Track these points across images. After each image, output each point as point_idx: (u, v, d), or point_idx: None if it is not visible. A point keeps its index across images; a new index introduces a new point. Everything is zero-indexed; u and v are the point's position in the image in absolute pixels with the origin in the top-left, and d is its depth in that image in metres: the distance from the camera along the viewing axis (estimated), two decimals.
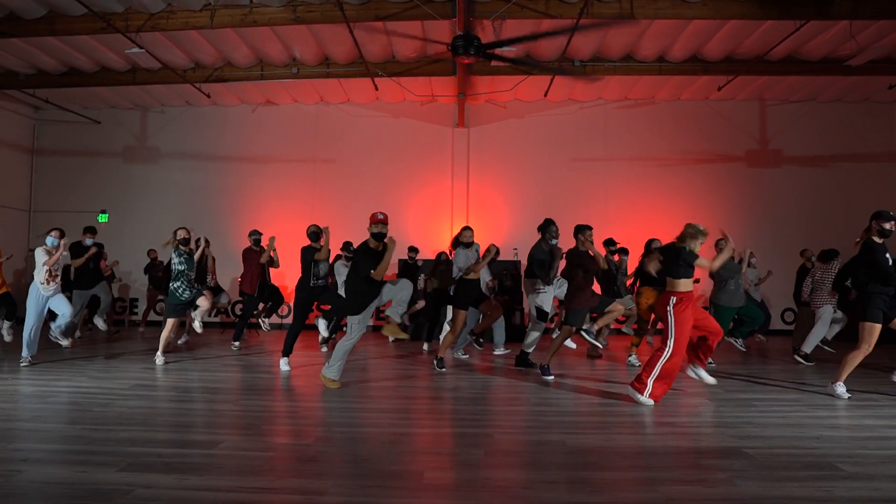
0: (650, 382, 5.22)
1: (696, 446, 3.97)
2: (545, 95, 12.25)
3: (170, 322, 7.38)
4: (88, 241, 8.77)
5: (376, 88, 11.72)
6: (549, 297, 6.99)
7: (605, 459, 3.68)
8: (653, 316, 8.02)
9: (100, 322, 8.98)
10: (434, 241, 12.60)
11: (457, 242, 7.43)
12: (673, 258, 5.41)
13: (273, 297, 9.45)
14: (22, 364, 6.94)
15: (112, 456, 3.61)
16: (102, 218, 13.33)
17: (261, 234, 9.26)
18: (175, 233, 7.41)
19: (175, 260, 7.33)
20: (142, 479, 3.20)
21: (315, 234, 7.46)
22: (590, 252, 6.77)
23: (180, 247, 7.36)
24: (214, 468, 3.41)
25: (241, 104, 13.33)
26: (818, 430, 4.43)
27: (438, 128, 13.09)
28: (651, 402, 5.21)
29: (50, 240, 7.08)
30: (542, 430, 4.40)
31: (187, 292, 7.33)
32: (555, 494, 3.08)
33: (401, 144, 13.12)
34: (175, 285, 7.31)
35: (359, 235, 12.42)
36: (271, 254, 8.79)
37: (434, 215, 12.80)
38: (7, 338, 7.92)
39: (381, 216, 5.94)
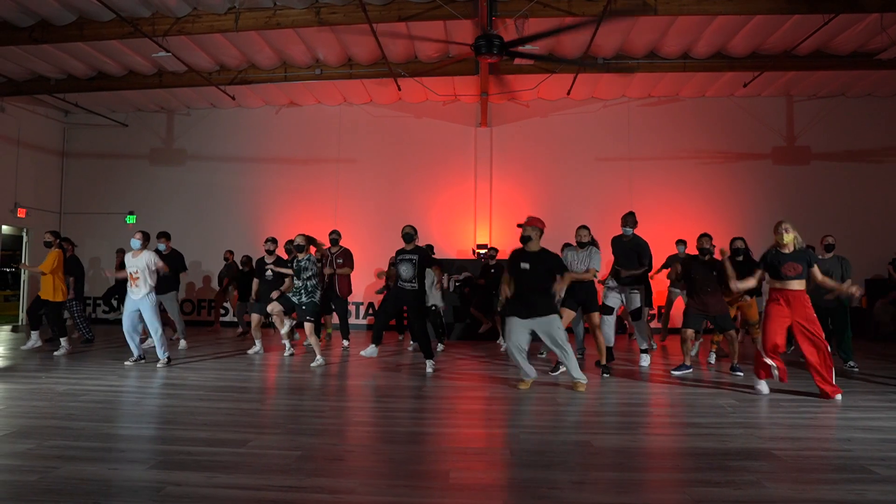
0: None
1: (723, 447, 3.92)
2: (568, 94, 12.21)
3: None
4: (161, 247, 8.81)
5: (399, 89, 11.77)
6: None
7: (632, 460, 3.66)
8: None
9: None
10: (457, 242, 12.62)
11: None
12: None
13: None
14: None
15: (143, 453, 3.68)
16: (130, 219, 13.57)
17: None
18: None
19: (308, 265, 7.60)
20: (172, 477, 3.25)
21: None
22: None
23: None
24: (243, 466, 3.45)
25: (265, 106, 13.48)
26: (848, 431, 4.36)
27: (461, 127, 13.09)
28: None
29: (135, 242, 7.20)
30: (568, 431, 4.39)
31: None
32: (582, 495, 3.07)
33: (424, 144, 13.15)
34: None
35: (380, 236, 12.59)
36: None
37: (457, 215, 12.82)
38: (36, 343, 8.21)
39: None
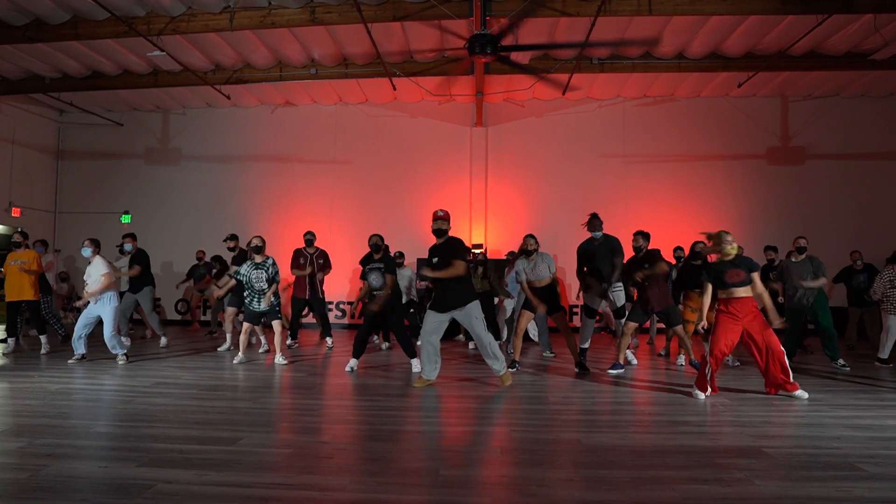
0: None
1: (714, 445, 3.94)
2: (563, 94, 12.21)
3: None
4: (128, 247, 8.95)
5: (394, 88, 11.76)
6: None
7: (622, 458, 3.67)
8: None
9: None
10: None
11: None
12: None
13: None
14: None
15: (134, 451, 3.68)
16: (125, 219, 13.55)
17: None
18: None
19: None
20: (163, 475, 3.26)
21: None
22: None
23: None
24: (234, 464, 3.45)
25: (261, 105, 13.47)
26: (839, 430, 4.38)
27: (457, 127, 13.10)
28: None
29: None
30: (558, 429, 4.39)
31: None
32: (570, 492, 3.08)
33: (419, 144, 13.15)
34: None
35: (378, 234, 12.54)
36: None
37: (453, 215, 12.67)
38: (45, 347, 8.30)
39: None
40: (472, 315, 5.90)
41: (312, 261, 9.03)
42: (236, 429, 4.27)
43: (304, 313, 9.93)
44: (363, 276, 7.13)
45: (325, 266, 9.17)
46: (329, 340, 9.13)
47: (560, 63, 10.39)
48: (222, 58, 10.78)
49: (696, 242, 7.81)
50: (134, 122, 13.85)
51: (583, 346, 7.31)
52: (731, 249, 5.66)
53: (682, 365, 7.59)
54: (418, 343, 6.47)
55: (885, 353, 7.68)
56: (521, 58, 9.57)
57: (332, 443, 3.99)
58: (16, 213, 12.60)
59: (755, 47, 10.08)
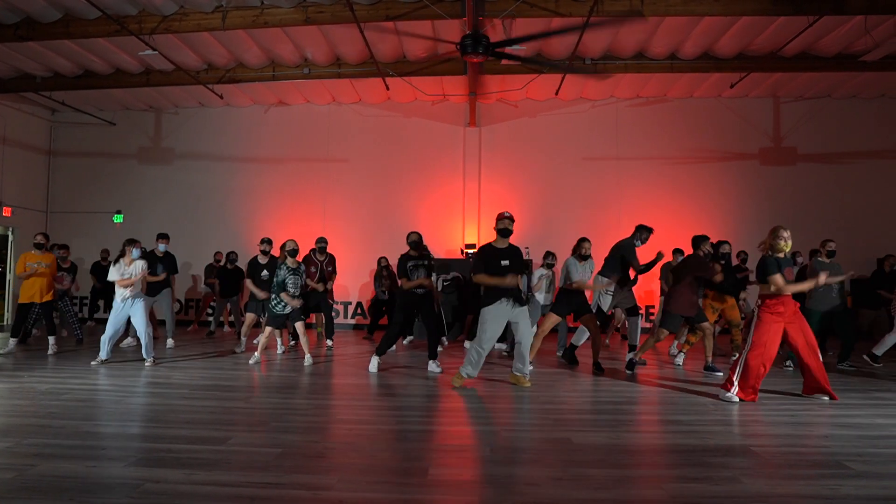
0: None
1: (703, 444, 3.95)
2: (556, 94, 12.25)
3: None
4: (162, 247, 9.03)
5: (387, 88, 11.75)
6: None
7: (611, 457, 3.68)
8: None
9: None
10: (446, 241, 12.63)
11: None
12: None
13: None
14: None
15: (122, 451, 3.67)
16: (118, 218, 13.50)
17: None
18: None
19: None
20: (151, 474, 3.25)
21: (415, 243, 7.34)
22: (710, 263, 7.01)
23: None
24: (223, 464, 3.45)
25: (254, 105, 13.44)
26: (827, 428, 4.41)
27: (450, 127, 13.10)
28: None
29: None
30: (548, 428, 4.40)
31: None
32: (559, 491, 3.08)
33: (412, 144, 13.14)
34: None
35: (369, 236, 12.60)
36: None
37: (446, 215, 12.81)
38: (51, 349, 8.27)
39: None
40: (523, 315, 5.94)
41: (322, 268, 8.98)
42: (227, 428, 4.26)
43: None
44: (402, 274, 7.07)
45: (334, 273, 9.15)
46: (329, 342, 9.09)
47: (553, 63, 10.40)
48: (215, 57, 10.75)
49: (721, 242, 7.90)
50: (126, 122, 13.80)
51: (574, 343, 7.40)
52: (786, 246, 5.40)
53: (673, 354, 7.67)
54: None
55: (880, 350, 7.72)
56: (520, 52, 9.56)
57: (322, 442, 3.98)
58: (7, 212, 12.54)
59: (747, 48, 10.12)
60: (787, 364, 7.45)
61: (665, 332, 6.91)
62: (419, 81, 11.20)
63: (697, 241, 7.15)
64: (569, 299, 7.17)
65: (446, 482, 3.22)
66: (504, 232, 5.95)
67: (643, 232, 7.54)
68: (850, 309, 7.44)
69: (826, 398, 5.43)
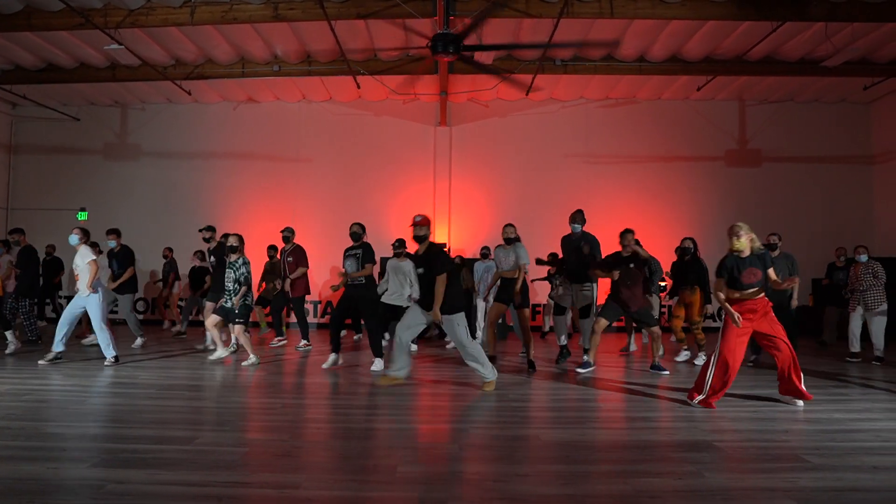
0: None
1: (668, 440, 4.03)
2: (527, 95, 12.30)
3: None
4: (111, 244, 8.86)
5: (358, 87, 11.69)
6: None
7: (578, 453, 3.73)
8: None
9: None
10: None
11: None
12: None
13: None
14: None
15: (85, 452, 3.60)
16: (82, 216, 13.19)
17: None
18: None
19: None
20: (114, 475, 3.19)
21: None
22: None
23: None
24: (188, 463, 3.40)
25: (223, 101, 13.26)
26: (788, 423, 4.52)
27: (421, 126, 13.09)
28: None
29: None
30: (517, 426, 4.44)
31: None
32: (525, 487, 3.11)
33: (383, 143, 13.10)
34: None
35: (338, 235, 12.48)
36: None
37: (416, 213, 12.75)
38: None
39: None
40: (454, 323, 5.78)
41: (283, 262, 8.88)
42: (193, 428, 4.21)
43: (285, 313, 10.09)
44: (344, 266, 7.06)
45: (297, 264, 8.95)
46: (302, 342, 8.91)
47: (523, 64, 10.47)
48: (183, 53, 10.58)
49: (684, 238, 7.99)
50: (91, 117, 13.49)
51: (561, 344, 7.47)
52: (741, 245, 5.01)
53: (667, 357, 7.73)
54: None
55: (880, 349, 7.94)
56: (484, 58, 9.61)
57: (290, 441, 3.96)
58: None
59: (714, 52, 10.31)
60: (750, 362, 7.56)
61: (603, 320, 6.83)
62: (390, 80, 11.15)
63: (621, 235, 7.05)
64: (502, 288, 7.18)
65: (414, 479, 3.23)
66: (417, 239, 6.10)
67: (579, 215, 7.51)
68: (790, 307, 7.43)
69: (800, 402, 5.13)
